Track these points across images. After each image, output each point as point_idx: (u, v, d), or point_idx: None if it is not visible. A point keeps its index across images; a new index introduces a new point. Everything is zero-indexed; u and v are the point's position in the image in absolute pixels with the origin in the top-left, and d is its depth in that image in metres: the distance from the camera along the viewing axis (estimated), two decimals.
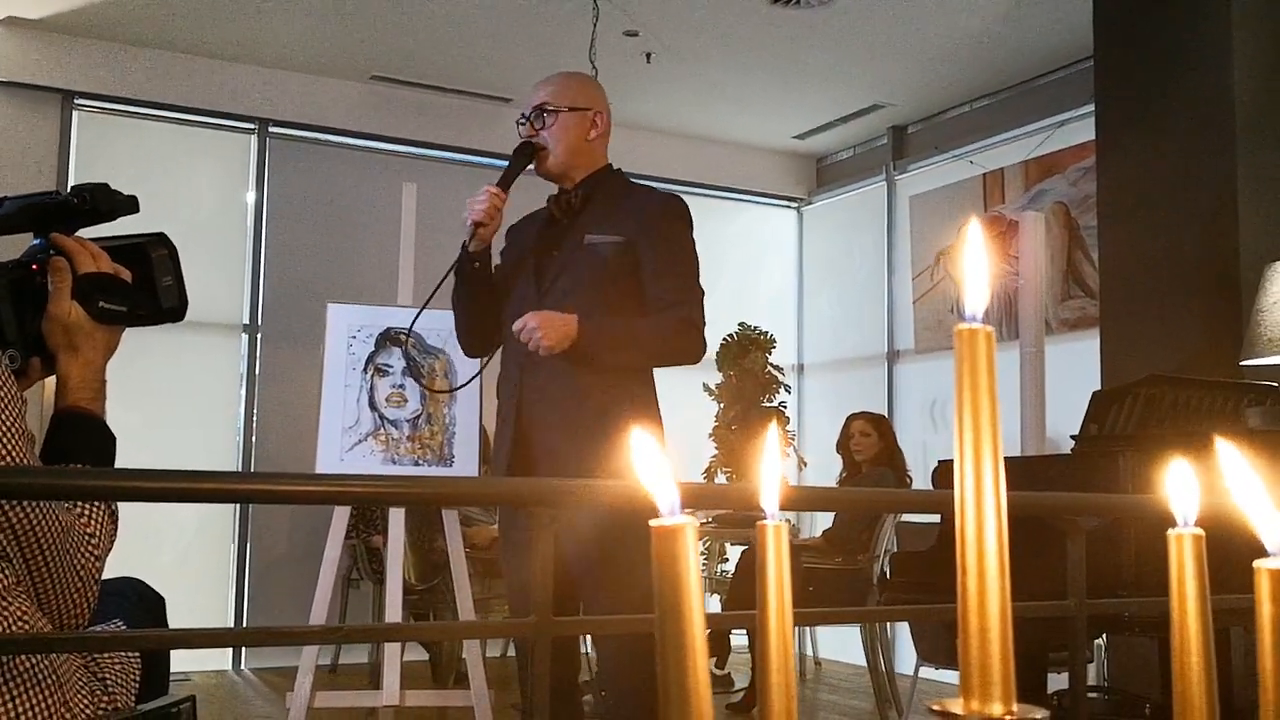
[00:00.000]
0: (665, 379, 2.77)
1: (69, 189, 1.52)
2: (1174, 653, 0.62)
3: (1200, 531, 0.61)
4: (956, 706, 0.54)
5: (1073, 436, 3.02)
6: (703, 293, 2.68)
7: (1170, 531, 0.62)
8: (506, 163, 2.75)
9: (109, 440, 1.46)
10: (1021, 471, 3.09)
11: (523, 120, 2.76)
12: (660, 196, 2.78)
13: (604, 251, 2.64)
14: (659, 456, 0.52)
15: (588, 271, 2.64)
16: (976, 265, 0.52)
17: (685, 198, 2.81)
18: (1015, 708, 0.53)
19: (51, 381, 1.49)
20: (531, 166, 2.77)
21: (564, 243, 2.69)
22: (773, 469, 0.60)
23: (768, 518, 0.58)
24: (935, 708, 0.55)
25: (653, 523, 0.50)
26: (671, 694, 0.48)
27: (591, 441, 2.49)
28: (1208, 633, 0.62)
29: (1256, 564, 0.48)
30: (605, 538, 2.43)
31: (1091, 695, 4.33)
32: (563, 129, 2.73)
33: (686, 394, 6.79)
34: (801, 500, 2.39)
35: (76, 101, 6.20)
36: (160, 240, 1.58)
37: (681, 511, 0.51)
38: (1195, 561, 0.62)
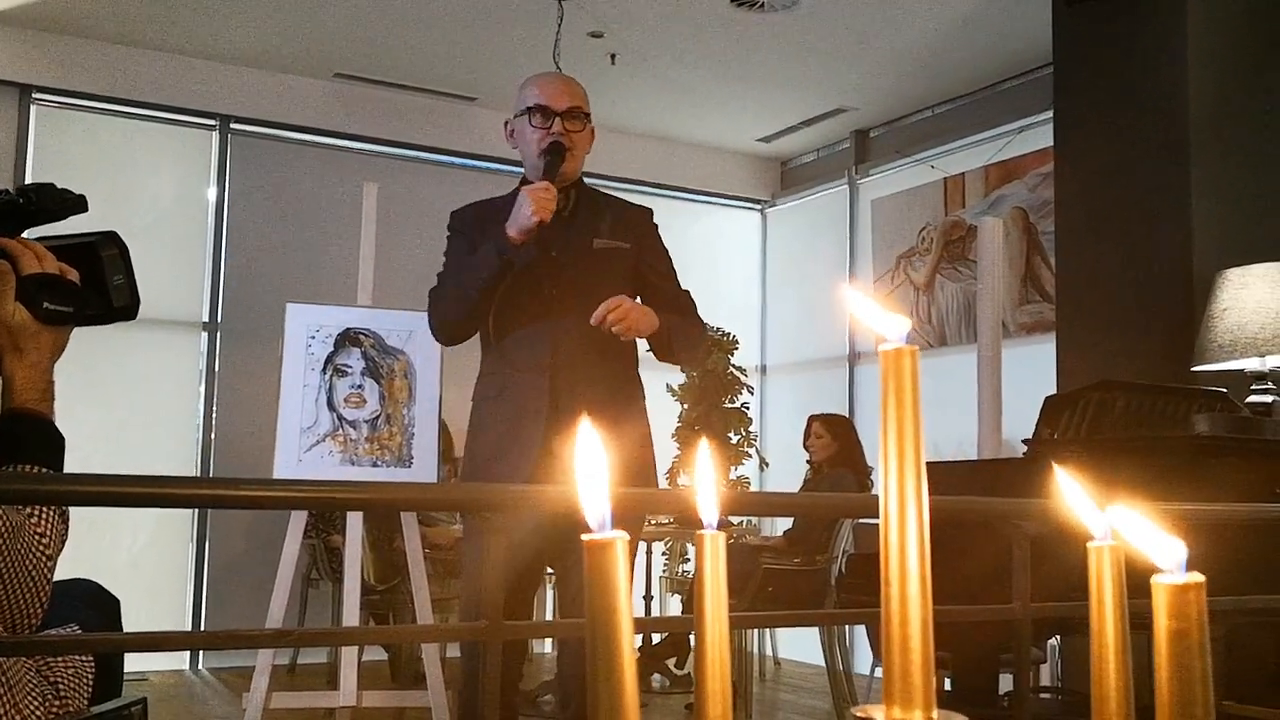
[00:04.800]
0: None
1: (15, 189, 1.50)
2: (1092, 659, 0.64)
3: (1117, 544, 0.64)
4: (879, 712, 0.56)
5: (1025, 441, 3.06)
6: None
7: (1090, 544, 0.64)
8: (470, 161, 2.80)
9: (58, 441, 1.45)
10: (973, 475, 3.13)
11: (548, 118, 2.75)
12: (644, 208, 2.94)
13: (613, 257, 2.76)
14: (601, 466, 0.54)
15: (598, 276, 2.73)
16: (870, 314, 0.55)
17: (650, 199, 2.90)
18: (936, 714, 0.55)
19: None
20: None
21: (565, 245, 2.72)
22: (709, 479, 0.61)
23: (706, 527, 0.60)
24: (859, 714, 0.57)
25: (585, 537, 0.51)
26: (600, 705, 0.50)
27: (626, 435, 2.68)
28: (1124, 640, 0.64)
29: (1153, 579, 0.50)
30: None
31: (1045, 695, 4.39)
32: (586, 136, 2.81)
33: (649, 394, 6.80)
34: (739, 505, 2.42)
35: (35, 96, 6.13)
36: (110, 239, 1.56)
37: (628, 516, 0.52)
38: (1114, 572, 0.64)
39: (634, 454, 2.71)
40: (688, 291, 2.93)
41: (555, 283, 2.70)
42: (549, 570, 3.00)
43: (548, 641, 6.57)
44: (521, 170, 2.92)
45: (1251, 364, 3.51)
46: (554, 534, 2.55)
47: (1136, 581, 0.65)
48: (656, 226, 2.92)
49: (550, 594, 6.29)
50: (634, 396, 2.82)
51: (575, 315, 2.65)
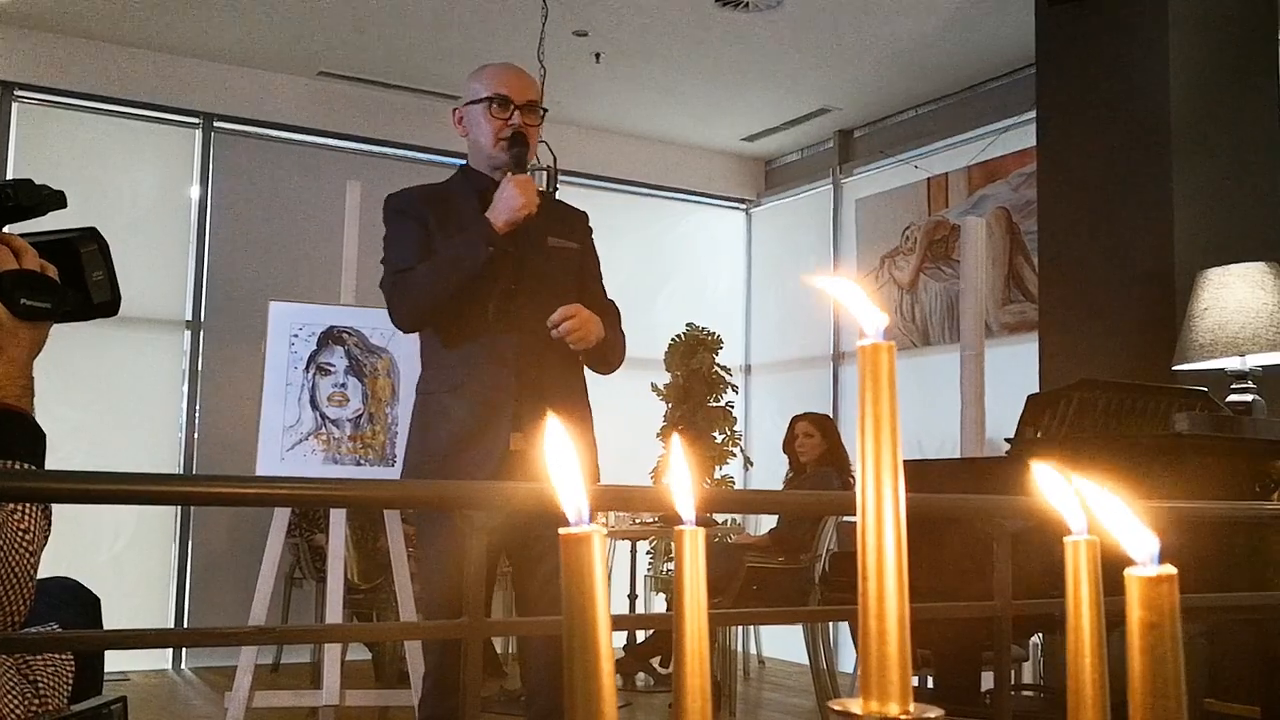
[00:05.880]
0: (614, 379, 2.86)
1: None
2: (1069, 654, 0.65)
3: (1095, 539, 0.64)
4: (856, 706, 0.56)
5: (1007, 439, 3.07)
6: None
7: (1067, 539, 0.64)
8: (455, 160, 2.79)
9: (38, 437, 1.45)
10: (956, 473, 3.14)
11: (508, 108, 2.76)
12: (583, 212, 2.94)
13: (564, 256, 2.76)
14: (573, 462, 0.54)
15: (556, 273, 2.72)
16: (854, 300, 0.55)
17: (634, 198, 2.89)
18: (912, 708, 0.56)
19: None
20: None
21: (521, 239, 2.65)
22: (685, 476, 0.61)
23: (685, 523, 0.60)
24: (836, 708, 0.57)
25: (562, 531, 0.51)
26: (577, 700, 0.50)
27: (583, 436, 2.70)
28: (1100, 635, 0.64)
29: (1127, 572, 0.51)
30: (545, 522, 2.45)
31: (1028, 693, 4.41)
32: (537, 132, 2.83)
33: (634, 394, 6.81)
34: (718, 503, 2.43)
35: (16, 93, 6.10)
36: (90, 235, 1.54)
37: (611, 512, 0.53)
38: (1090, 567, 0.65)
39: (586, 454, 2.72)
40: (614, 301, 2.89)
41: (513, 278, 2.67)
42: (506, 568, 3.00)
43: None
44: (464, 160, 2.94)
45: (1232, 363, 3.53)
46: (512, 529, 2.55)
47: (1119, 578, 0.66)
48: (592, 231, 2.93)
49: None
50: (584, 395, 2.81)
51: (532, 309, 2.63)
